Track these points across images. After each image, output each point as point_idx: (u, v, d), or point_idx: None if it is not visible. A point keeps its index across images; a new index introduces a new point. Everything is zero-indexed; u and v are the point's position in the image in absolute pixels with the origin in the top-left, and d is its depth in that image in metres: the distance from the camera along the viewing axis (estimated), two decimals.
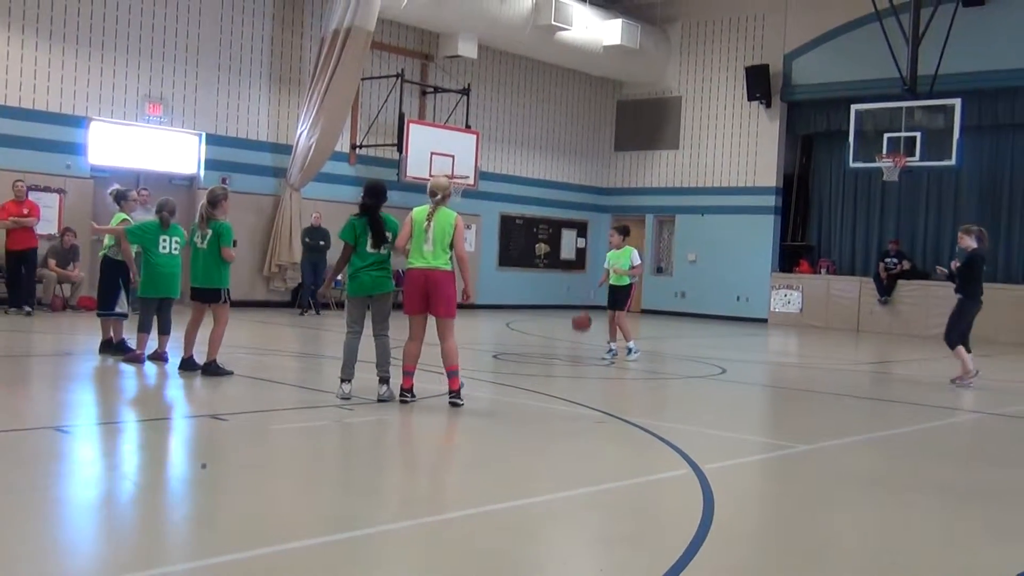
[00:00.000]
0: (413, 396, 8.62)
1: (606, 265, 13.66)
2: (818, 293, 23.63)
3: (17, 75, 16.79)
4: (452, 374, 8.56)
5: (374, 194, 8.89)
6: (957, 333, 12.33)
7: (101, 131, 17.82)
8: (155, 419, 7.76)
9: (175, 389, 9.25)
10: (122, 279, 10.82)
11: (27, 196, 16.12)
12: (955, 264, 12.65)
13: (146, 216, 16.31)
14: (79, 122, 17.52)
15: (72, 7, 17.32)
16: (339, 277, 10.48)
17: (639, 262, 13.39)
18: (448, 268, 8.61)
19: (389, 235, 8.78)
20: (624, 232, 13.60)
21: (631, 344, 13.44)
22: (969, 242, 12.35)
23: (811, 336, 20.95)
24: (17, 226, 15.65)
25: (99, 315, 11.10)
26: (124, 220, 10.83)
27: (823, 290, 23.59)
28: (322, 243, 19.12)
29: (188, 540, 4.68)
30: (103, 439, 6.98)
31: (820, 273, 23.98)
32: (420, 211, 8.70)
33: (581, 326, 13.56)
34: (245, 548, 4.43)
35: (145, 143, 18.48)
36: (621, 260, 13.29)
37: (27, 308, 15.44)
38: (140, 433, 7.25)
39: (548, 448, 7.29)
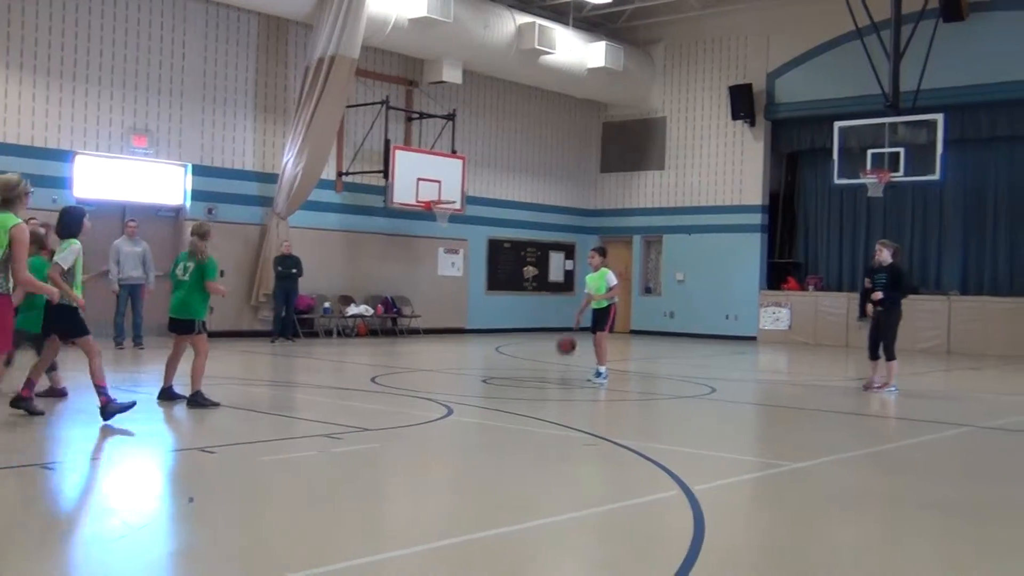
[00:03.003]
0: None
1: (586, 289, 13.67)
2: (806, 310, 23.67)
3: (1, 110, 16.78)
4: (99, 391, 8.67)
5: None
6: (892, 345, 12.72)
7: (86, 164, 17.80)
8: (139, 453, 7.72)
9: (159, 422, 9.19)
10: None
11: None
12: (877, 295, 12.76)
13: (134, 248, 16.29)
14: (64, 156, 17.49)
15: (56, 41, 17.34)
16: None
17: (614, 283, 13.31)
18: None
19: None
20: (602, 253, 13.60)
21: (602, 368, 13.17)
22: (886, 256, 12.78)
23: (800, 353, 20.98)
24: None
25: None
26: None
27: (811, 307, 23.64)
28: (294, 271, 19.14)
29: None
30: (89, 475, 6.93)
31: (808, 290, 24.04)
32: None
33: (565, 348, 13.55)
34: None
35: (131, 175, 18.45)
36: (598, 283, 13.30)
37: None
38: (126, 468, 7.20)
39: (538, 472, 7.27)
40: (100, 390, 8.55)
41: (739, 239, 24.88)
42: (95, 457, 7.53)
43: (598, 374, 13.09)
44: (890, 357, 12.72)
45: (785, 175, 25.42)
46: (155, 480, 6.97)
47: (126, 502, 6.12)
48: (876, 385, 12.79)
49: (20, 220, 7.54)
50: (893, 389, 12.62)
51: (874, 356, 12.87)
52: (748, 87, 24.43)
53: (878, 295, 12.71)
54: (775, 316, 24.11)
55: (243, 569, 4.65)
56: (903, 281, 13.02)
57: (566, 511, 6.01)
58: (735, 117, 24.62)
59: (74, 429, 8.96)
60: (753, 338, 24.12)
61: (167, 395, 9.90)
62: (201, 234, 9.93)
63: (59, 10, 17.37)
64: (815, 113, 23.52)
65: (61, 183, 17.46)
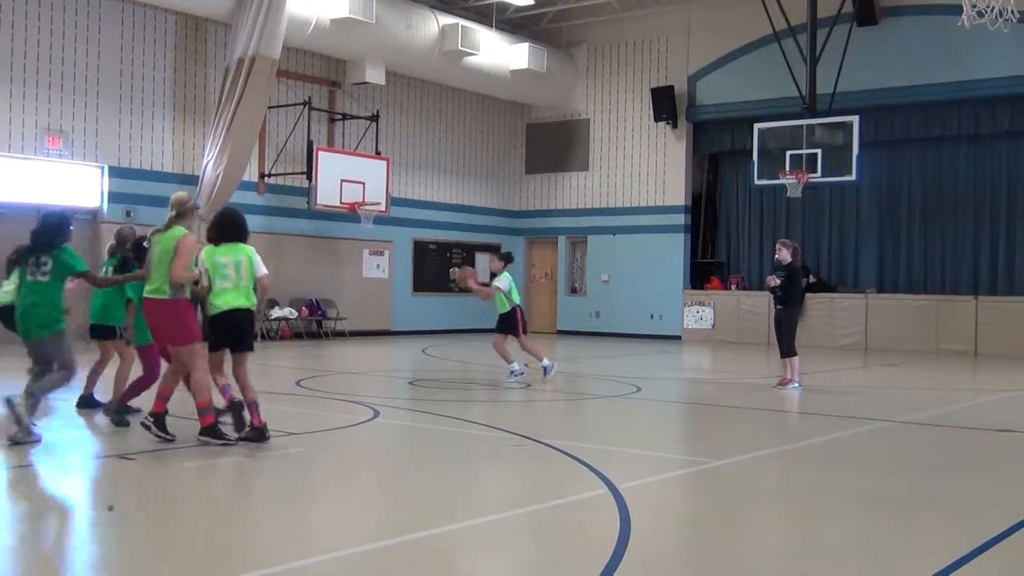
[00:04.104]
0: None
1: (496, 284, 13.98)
2: (729, 309, 24.02)
3: None
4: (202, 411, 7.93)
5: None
6: (791, 342, 13.08)
7: None
8: (55, 461, 7.52)
9: (79, 428, 8.98)
10: None
11: None
12: (773, 279, 13.19)
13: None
14: None
15: None
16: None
17: (497, 286, 13.76)
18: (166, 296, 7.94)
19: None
20: (505, 259, 14.10)
21: (546, 362, 13.75)
22: (786, 255, 13.13)
23: (724, 351, 21.28)
24: None
25: None
26: None
27: (734, 306, 24.00)
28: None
29: None
30: (9, 480, 6.74)
31: (730, 289, 24.41)
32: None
33: (463, 280, 13.87)
34: None
35: (45, 177, 17.97)
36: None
37: None
38: (40, 476, 7.02)
39: (466, 474, 7.26)
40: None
41: (663, 239, 25.15)
42: (20, 464, 7.32)
43: (512, 373, 13.53)
44: (790, 353, 13.08)
45: (707, 176, 25.78)
46: (75, 488, 6.80)
47: (46, 510, 5.96)
48: (784, 382, 13.06)
49: (187, 231, 8.02)
50: (796, 386, 12.91)
51: (784, 354, 13.15)
52: (670, 89, 24.70)
53: (773, 280, 13.07)
54: (699, 315, 24.43)
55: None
56: (798, 280, 13.34)
57: (494, 512, 6.01)
58: (657, 119, 24.88)
59: None
60: (678, 337, 24.40)
61: (86, 403, 9.66)
62: (120, 241, 9.73)
63: None
64: (735, 115, 23.88)
65: None
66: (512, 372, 13.55)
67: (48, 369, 8.04)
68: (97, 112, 18.62)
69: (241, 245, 8.09)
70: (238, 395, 8.00)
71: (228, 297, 7.92)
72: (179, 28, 19.82)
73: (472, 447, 8.37)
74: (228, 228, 8.13)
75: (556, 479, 7.04)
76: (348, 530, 5.57)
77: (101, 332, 9.62)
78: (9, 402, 7.75)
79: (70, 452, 8.00)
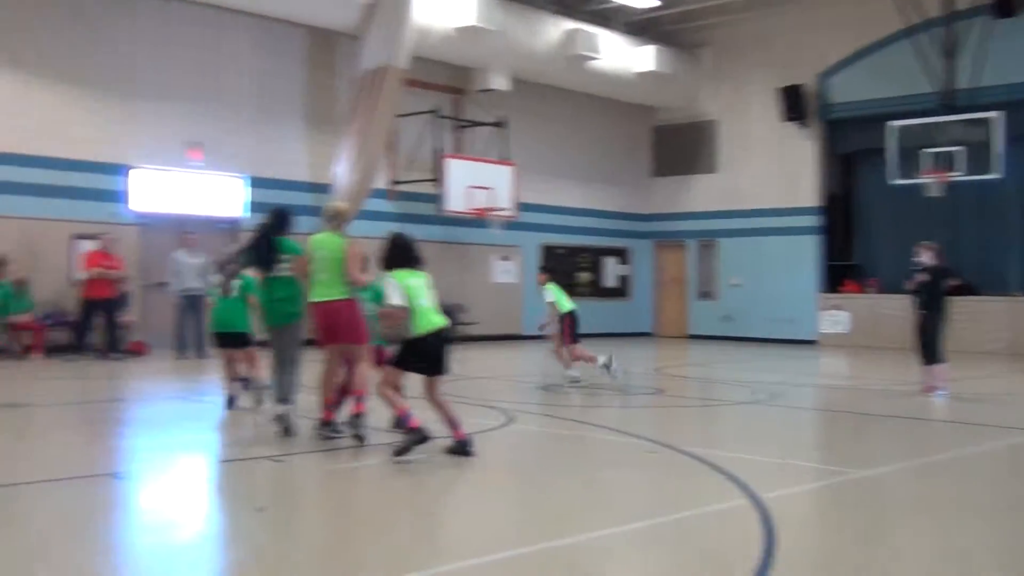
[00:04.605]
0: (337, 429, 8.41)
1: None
2: (866, 313, 23.29)
3: (59, 126, 17.06)
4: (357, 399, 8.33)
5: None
6: (936, 348, 12.49)
7: (143, 178, 18.03)
8: (206, 463, 7.77)
9: (231, 429, 9.26)
10: None
11: (112, 248, 16.47)
12: (920, 279, 12.61)
13: (193, 260, 16.45)
14: (119, 170, 17.73)
15: (111, 57, 17.61)
16: None
17: (549, 299, 14.02)
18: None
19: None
20: (548, 271, 14.53)
21: (573, 372, 13.71)
22: (928, 257, 12.62)
23: (861, 357, 20.63)
24: (102, 276, 16.02)
25: None
26: None
27: (871, 309, 23.25)
28: None
29: None
30: (156, 484, 6.99)
31: (867, 292, 23.67)
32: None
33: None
34: None
35: (188, 188, 18.66)
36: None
37: (115, 355, 16.02)
38: (192, 478, 7.25)
39: (600, 481, 7.19)
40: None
41: (795, 242, 24.58)
42: (162, 466, 7.59)
43: (605, 367, 13.51)
44: (935, 360, 12.44)
45: (842, 176, 25.06)
46: (224, 489, 7.00)
47: (195, 511, 6.15)
48: (928, 389, 12.52)
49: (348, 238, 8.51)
50: (941, 393, 12.33)
51: (926, 360, 12.61)
52: (798, 88, 24.13)
53: (917, 280, 12.55)
54: (834, 319, 23.76)
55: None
56: (941, 283, 12.67)
57: (631, 521, 5.93)
58: (787, 119, 24.33)
59: (139, 438, 9.06)
60: (813, 342, 23.79)
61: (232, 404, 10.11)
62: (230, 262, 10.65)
63: (110, 26, 17.64)
64: (869, 113, 23.14)
65: (116, 197, 17.70)
66: (604, 367, 13.49)
67: (284, 359, 8.64)
68: (236, 124, 19.24)
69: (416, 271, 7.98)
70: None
71: (432, 317, 7.76)
72: (310, 41, 20.33)
73: (606, 453, 8.31)
74: (410, 252, 8.01)
75: (694, 488, 6.92)
76: (484, 537, 5.58)
77: (233, 340, 10.19)
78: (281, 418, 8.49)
79: (219, 452, 8.25)
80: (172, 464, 7.88)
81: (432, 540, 5.52)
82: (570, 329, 13.81)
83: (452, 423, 7.75)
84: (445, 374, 7.85)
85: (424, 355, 7.70)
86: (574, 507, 6.30)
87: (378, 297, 8.30)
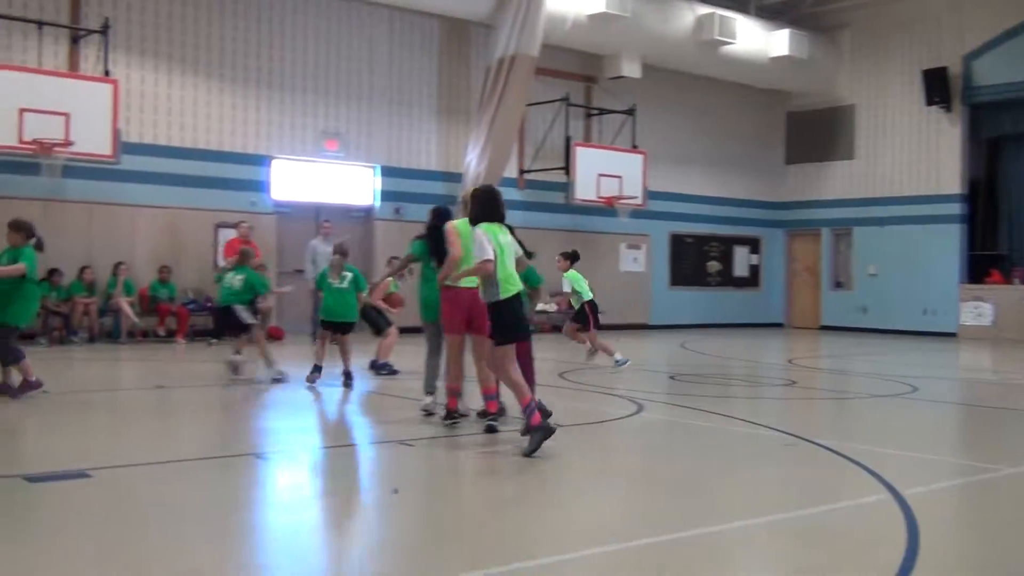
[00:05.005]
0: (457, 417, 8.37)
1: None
2: (1012, 304, 22.31)
3: (205, 119, 17.72)
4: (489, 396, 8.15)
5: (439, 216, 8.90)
6: None
7: (283, 168, 18.59)
8: (342, 445, 7.97)
9: (357, 414, 9.48)
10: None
11: (251, 237, 17.00)
12: None
13: (329, 248, 16.93)
14: (263, 160, 18.34)
15: (252, 51, 18.18)
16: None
17: (568, 288, 13.87)
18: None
19: None
20: (570, 257, 13.97)
21: (617, 356, 13.71)
22: None
23: (1006, 350, 19.79)
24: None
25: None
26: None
27: (1018, 301, 22.27)
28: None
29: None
30: (296, 466, 7.21)
31: (1014, 283, 22.66)
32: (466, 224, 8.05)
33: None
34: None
35: (323, 178, 19.16)
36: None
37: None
38: (330, 460, 7.46)
39: (735, 472, 7.09)
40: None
41: (936, 230, 23.72)
42: (302, 448, 7.83)
43: (617, 363, 13.59)
44: None
45: (986, 162, 24.05)
46: (360, 471, 7.18)
47: (331, 492, 6.33)
48: None
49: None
50: None
51: None
52: (943, 71, 23.24)
53: None
54: (977, 311, 22.85)
55: (435, 563, 4.72)
56: None
57: (766, 513, 5.83)
58: (929, 103, 23.47)
59: (280, 421, 9.36)
60: (953, 334, 22.94)
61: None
62: (343, 252, 11.41)
63: (254, 21, 18.21)
64: (1017, 95, 22.16)
65: (260, 186, 18.30)
66: (617, 362, 13.56)
67: (439, 350, 8.91)
68: (370, 115, 19.64)
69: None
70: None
71: (516, 280, 7.49)
72: (443, 31, 20.58)
73: (738, 445, 8.19)
74: (497, 205, 7.67)
75: (832, 481, 6.76)
76: (614, 525, 5.56)
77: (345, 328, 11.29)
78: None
79: (357, 437, 8.46)
80: (308, 445, 8.11)
81: (567, 525, 5.54)
82: (592, 318, 13.73)
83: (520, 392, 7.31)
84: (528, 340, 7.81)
85: (518, 319, 7.42)
86: (710, 497, 6.23)
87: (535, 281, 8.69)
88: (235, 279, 11.66)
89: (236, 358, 11.46)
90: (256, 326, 11.69)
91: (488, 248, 7.25)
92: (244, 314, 11.55)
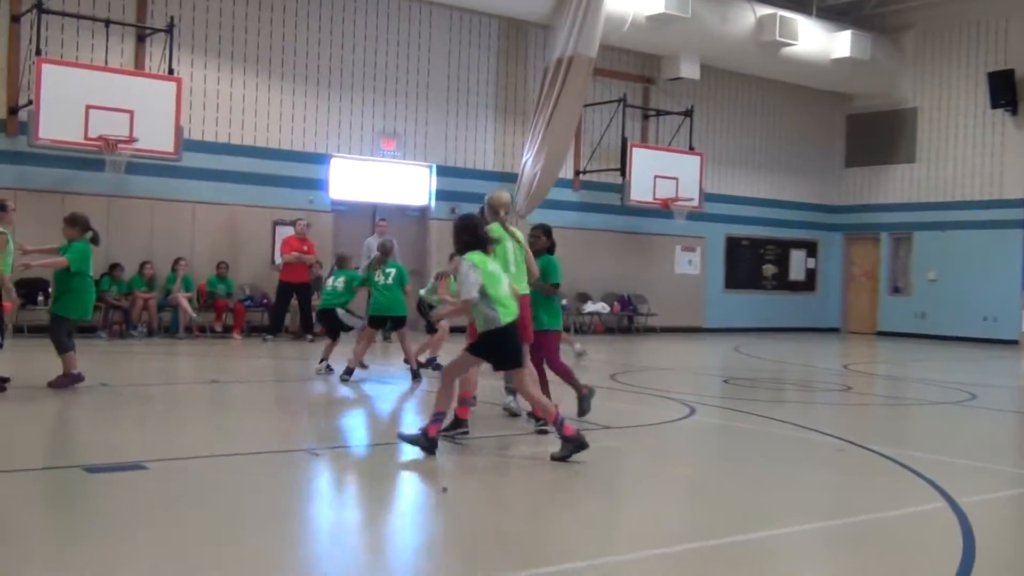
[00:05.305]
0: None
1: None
2: None
3: (265, 118, 17.95)
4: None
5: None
6: None
7: (341, 167, 18.77)
8: (386, 443, 8.04)
9: (414, 411, 9.54)
10: None
11: (308, 234, 17.24)
12: None
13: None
14: (321, 159, 18.53)
15: (312, 51, 18.38)
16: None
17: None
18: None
19: None
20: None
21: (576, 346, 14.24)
22: None
23: None
24: (298, 261, 16.82)
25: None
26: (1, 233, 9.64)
27: None
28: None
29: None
30: (349, 462, 7.28)
31: None
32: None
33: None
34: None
35: (380, 177, 19.32)
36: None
37: (309, 336, 16.90)
38: (380, 456, 7.52)
39: (787, 477, 7.04)
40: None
41: (998, 236, 23.26)
42: (356, 444, 7.90)
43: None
44: None
45: None
46: (410, 470, 7.23)
47: (382, 490, 6.38)
48: None
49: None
50: None
51: None
52: (1010, 73, 22.79)
53: None
54: None
55: (483, 562, 4.74)
56: None
57: (818, 519, 5.78)
58: (995, 105, 23.03)
59: (326, 419, 9.45)
60: (1014, 342, 22.49)
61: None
62: (386, 251, 11.75)
63: (315, 21, 18.40)
64: None
65: (318, 185, 18.50)
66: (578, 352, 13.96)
67: None
68: (427, 115, 19.75)
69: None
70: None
71: (513, 305, 7.24)
72: (501, 31, 20.63)
73: (791, 449, 8.11)
74: (480, 233, 7.35)
75: (886, 488, 6.67)
76: (663, 529, 5.54)
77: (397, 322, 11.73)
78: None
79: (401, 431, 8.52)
80: (360, 441, 8.19)
81: (616, 528, 5.54)
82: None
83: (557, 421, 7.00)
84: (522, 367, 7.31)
85: (515, 347, 7.20)
86: (762, 502, 6.19)
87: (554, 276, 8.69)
88: (337, 281, 12.00)
89: (320, 366, 11.77)
90: (360, 327, 12.02)
91: (472, 287, 6.98)
92: (346, 318, 11.96)
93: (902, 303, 25.15)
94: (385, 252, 11.80)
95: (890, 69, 24.88)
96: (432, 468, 7.14)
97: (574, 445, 6.94)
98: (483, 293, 7.01)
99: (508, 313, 7.08)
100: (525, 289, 8.12)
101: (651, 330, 22.38)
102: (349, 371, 11.19)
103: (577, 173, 21.67)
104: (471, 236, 7.21)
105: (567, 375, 8.81)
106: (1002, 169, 23.38)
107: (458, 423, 7.75)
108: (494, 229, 8.00)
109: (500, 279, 7.17)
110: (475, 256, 7.11)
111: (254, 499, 5.80)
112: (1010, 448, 9.22)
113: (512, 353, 7.20)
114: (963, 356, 19.12)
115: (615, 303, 22.02)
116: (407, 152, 19.56)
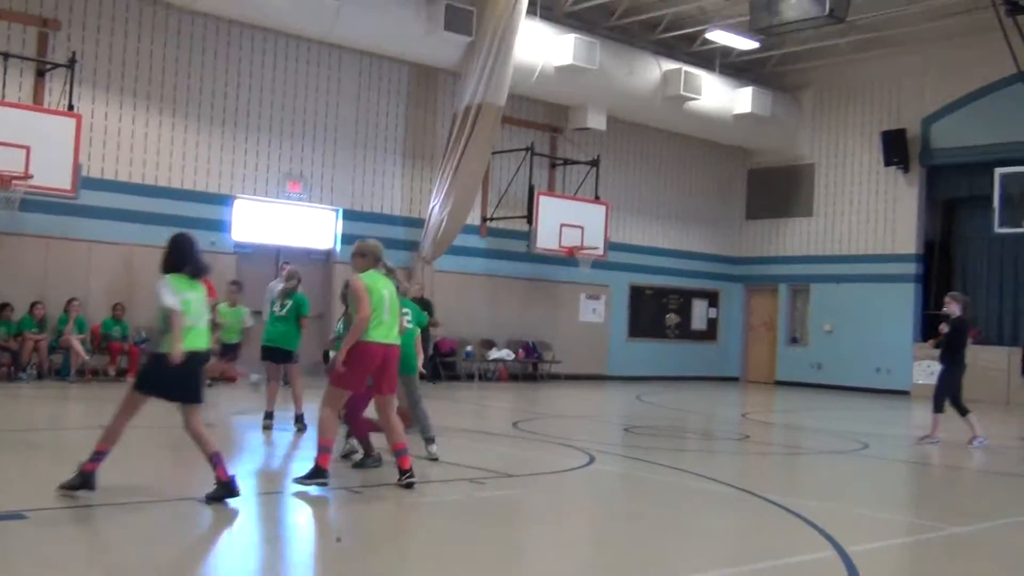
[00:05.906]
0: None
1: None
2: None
3: (168, 157, 17.63)
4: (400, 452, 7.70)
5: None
6: (942, 398, 12.96)
7: (244, 208, 18.52)
8: (276, 492, 7.88)
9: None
10: None
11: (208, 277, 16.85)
12: (943, 328, 13.22)
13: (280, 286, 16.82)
14: (225, 200, 18.25)
15: (219, 92, 18.16)
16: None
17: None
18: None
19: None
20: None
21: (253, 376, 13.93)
22: (955, 309, 13.06)
23: None
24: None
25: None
26: None
27: (970, 361, 22.48)
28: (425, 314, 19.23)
29: None
30: (238, 512, 7.10)
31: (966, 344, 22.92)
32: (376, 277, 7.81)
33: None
34: None
35: (285, 219, 19.11)
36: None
37: (207, 381, 16.36)
38: (271, 507, 7.35)
39: (684, 526, 7.09)
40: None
41: (891, 289, 24.02)
42: (249, 493, 7.70)
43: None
44: (937, 409, 12.82)
45: (941, 223, 24.46)
46: (303, 518, 7.08)
47: (275, 540, 6.23)
48: (971, 439, 12.47)
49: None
50: (980, 442, 12.39)
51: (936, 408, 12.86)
52: (902, 132, 23.70)
53: (942, 328, 13.16)
54: (930, 370, 22.95)
55: None
56: (962, 335, 13.18)
57: (713, 568, 5.82)
58: (888, 163, 23.89)
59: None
60: (906, 392, 23.15)
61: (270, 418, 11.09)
62: (299, 279, 11.40)
63: (223, 61, 18.20)
64: (974, 159, 22.59)
65: (221, 226, 18.19)
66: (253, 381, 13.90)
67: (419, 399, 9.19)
68: (334, 158, 19.64)
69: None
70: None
71: (199, 338, 7.01)
72: (411, 77, 20.69)
73: (688, 498, 8.18)
74: (191, 257, 7.03)
75: (779, 537, 6.77)
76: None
77: (280, 356, 11.34)
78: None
79: (286, 483, 8.34)
80: (253, 491, 8.01)
81: (510, 574, 5.50)
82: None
83: (214, 460, 6.84)
84: (199, 403, 7.04)
85: (178, 377, 6.83)
86: (654, 551, 6.21)
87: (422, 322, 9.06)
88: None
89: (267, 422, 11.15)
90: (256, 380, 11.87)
91: (170, 296, 6.78)
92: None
93: (799, 353, 25.74)
94: (290, 280, 11.29)
95: (789, 125, 25.65)
96: (325, 517, 7.02)
97: (225, 492, 6.75)
98: (170, 315, 6.71)
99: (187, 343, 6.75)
100: (396, 339, 7.79)
101: (555, 377, 22.45)
102: (269, 415, 11.05)
103: (484, 220, 21.76)
104: (176, 258, 6.94)
105: (365, 428, 8.57)
106: (895, 225, 24.21)
107: (318, 472, 7.49)
108: (367, 277, 7.74)
109: (195, 309, 6.86)
110: (176, 279, 6.87)
111: (138, 552, 5.60)
112: (899, 497, 9.44)
113: (181, 384, 6.87)
114: (857, 406, 19.60)
115: (520, 350, 22.05)
116: (313, 195, 19.40)
